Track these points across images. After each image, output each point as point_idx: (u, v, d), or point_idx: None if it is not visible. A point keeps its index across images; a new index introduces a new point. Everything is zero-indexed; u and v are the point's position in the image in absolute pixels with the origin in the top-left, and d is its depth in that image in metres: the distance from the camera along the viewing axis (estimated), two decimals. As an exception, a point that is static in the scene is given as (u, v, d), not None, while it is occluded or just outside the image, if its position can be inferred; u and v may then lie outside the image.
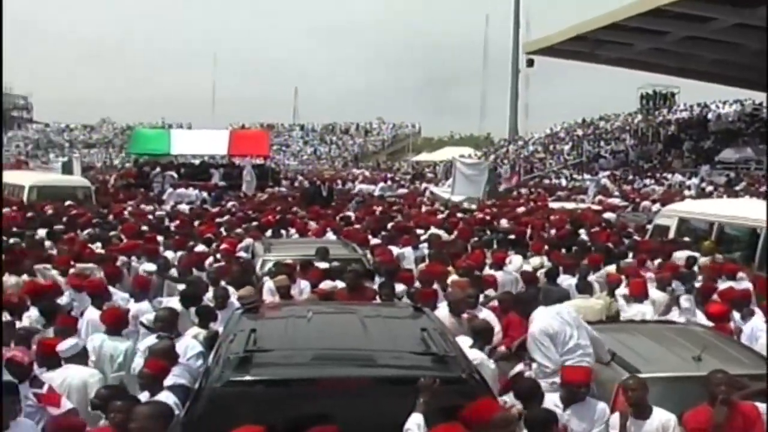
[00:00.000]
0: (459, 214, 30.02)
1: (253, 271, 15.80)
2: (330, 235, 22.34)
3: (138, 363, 10.86)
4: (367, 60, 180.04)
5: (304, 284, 15.04)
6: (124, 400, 8.13)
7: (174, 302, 13.21)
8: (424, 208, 35.07)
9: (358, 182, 59.52)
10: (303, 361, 7.96)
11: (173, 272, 16.42)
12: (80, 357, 10.20)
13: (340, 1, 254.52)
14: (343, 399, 7.43)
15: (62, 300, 13.04)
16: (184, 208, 32.63)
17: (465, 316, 12.51)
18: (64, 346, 10.17)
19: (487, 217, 28.73)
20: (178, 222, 25.70)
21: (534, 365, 10.27)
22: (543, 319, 10.52)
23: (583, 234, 23.72)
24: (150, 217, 27.95)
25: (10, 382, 8.49)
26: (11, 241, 20.01)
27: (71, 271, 15.86)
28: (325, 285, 14.41)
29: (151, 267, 16.53)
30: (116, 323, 11.76)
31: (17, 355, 9.51)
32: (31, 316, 12.43)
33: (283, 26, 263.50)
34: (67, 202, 30.81)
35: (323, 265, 15.92)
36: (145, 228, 23.04)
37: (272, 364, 7.84)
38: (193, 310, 12.67)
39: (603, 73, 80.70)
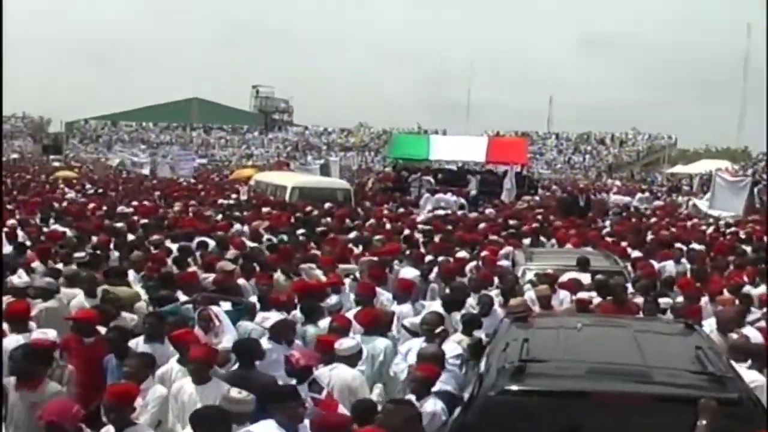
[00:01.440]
0: (721, 229, 29.04)
1: (517, 280, 15.71)
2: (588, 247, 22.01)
3: (402, 367, 11.03)
4: (622, 70, 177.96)
5: (563, 294, 14.83)
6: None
7: (436, 306, 13.33)
8: (684, 222, 34.08)
9: (612, 193, 58.53)
10: (577, 373, 7.82)
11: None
12: (354, 358, 10.32)
13: (604, 12, 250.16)
14: (617, 414, 7.29)
15: (331, 300, 13.29)
16: (440, 213, 32.83)
17: (733, 335, 12.09)
18: (344, 345, 10.34)
19: (747, 234, 27.62)
20: (433, 227, 25.87)
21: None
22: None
23: None
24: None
25: (291, 386, 8.76)
26: (275, 240, 20.72)
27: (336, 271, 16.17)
28: (583, 295, 14.16)
29: (414, 272, 16.70)
30: (374, 323, 11.87)
31: (294, 355, 9.81)
32: (296, 315, 12.78)
33: (541, 34, 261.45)
34: (327, 204, 31.47)
35: (584, 276, 15.69)
36: (407, 232, 23.33)
37: (546, 375, 7.76)
38: (456, 315, 12.72)
39: None
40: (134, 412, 8.42)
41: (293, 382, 9.55)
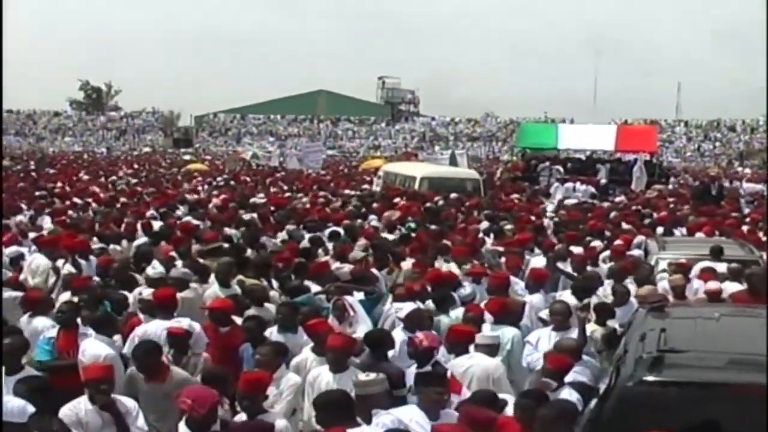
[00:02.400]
0: None
1: (651, 270, 15.46)
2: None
3: (536, 356, 10.95)
4: (753, 54, 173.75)
5: (698, 284, 14.51)
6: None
7: (567, 296, 13.24)
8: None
9: (744, 181, 57.14)
10: (716, 364, 7.66)
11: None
12: (494, 349, 10.33)
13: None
14: (756, 407, 7.07)
15: (464, 290, 13.27)
16: (571, 202, 32.54)
17: None
18: (486, 335, 10.46)
19: None
20: (564, 217, 25.67)
21: None
22: None
23: None
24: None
25: (438, 372, 8.81)
26: (403, 230, 20.77)
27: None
28: (713, 285, 13.86)
29: (541, 261, 16.58)
30: (504, 312, 11.79)
31: (418, 337, 9.81)
32: (428, 304, 12.77)
33: (673, 19, 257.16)
34: (453, 195, 31.25)
35: (718, 265, 15.37)
36: (537, 222, 23.16)
37: (685, 366, 7.61)
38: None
39: None
40: (266, 400, 8.59)
41: (414, 364, 9.65)
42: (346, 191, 35.40)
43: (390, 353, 10.38)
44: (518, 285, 14.34)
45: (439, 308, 12.47)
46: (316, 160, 58.65)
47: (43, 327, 11.30)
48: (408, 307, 11.54)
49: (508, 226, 21.64)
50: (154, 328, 10.93)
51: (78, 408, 8.47)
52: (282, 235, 19.69)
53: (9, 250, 16.05)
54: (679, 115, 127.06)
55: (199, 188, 38.03)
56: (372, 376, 8.34)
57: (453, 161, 50.92)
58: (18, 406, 7.36)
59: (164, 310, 11.35)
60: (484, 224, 22.27)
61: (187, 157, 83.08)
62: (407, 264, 15.74)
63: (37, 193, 29.30)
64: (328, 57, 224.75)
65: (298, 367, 10.13)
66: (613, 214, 26.72)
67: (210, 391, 7.96)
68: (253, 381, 8.39)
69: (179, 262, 14.86)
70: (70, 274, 14.44)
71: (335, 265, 15.23)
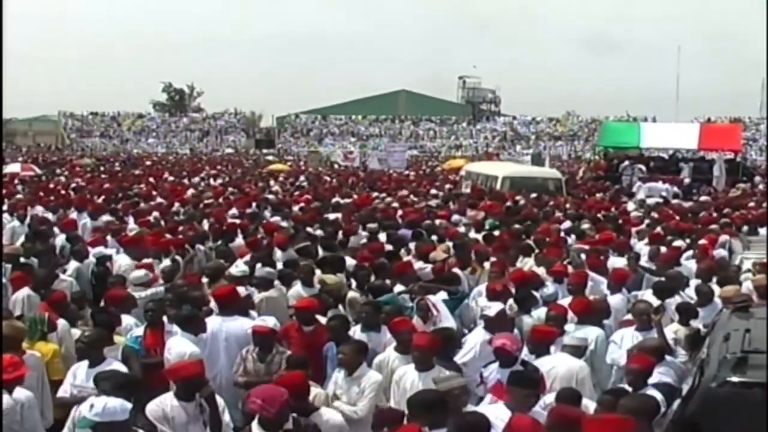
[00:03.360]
0: None
1: (737, 270, 15.25)
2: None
3: (619, 353, 10.92)
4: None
5: (783, 284, 14.36)
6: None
7: (648, 296, 13.16)
8: None
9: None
10: None
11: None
12: (581, 350, 10.30)
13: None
14: None
15: (547, 290, 13.26)
16: (653, 201, 32.18)
17: None
18: (574, 335, 10.47)
19: None
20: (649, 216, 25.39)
21: None
22: None
23: None
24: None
25: (534, 374, 8.83)
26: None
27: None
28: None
29: (621, 260, 16.48)
30: (588, 312, 11.79)
31: (506, 343, 9.86)
32: (511, 304, 12.77)
33: (756, 15, 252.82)
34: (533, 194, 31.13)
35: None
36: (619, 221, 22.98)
37: None
38: (671, 305, 12.50)
39: None
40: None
41: (497, 365, 9.68)
42: (431, 191, 35.45)
43: (468, 355, 10.51)
44: (603, 284, 14.29)
45: (521, 308, 12.46)
46: (400, 160, 58.74)
47: (126, 324, 11.56)
48: (495, 307, 11.54)
49: (587, 226, 21.52)
50: (218, 325, 11.16)
51: (164, 403, 8.62)
52: (364, 235, 19.72)
53: (95, 251, 16.29)
54: (762, 112, 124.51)
55: (276, 188, 38.19)
56: (451, 372, 8.39)
57: (537, 161, 50.70)
58: (117, 405, 7.50)
59: (224, 307, 11.50)
60: (566, 224, 22.16)
61: (269, 158, 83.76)
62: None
63: (121, 195, 29.78)
64: (409, 57, 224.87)
65: (380, 366, 10.18)
66: (700, 214, 26.31)
67: (280, 389, 7.96)
68: (294, 384, 8.39)
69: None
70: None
71: (417, 264, 15.31)
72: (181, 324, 10.84)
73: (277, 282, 13.70)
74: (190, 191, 33.62)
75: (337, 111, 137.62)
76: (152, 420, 8.41)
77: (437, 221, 22.10)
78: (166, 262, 15.33)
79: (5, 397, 8.60)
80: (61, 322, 11.27)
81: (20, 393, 8.75)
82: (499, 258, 15.88)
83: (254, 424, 7.81)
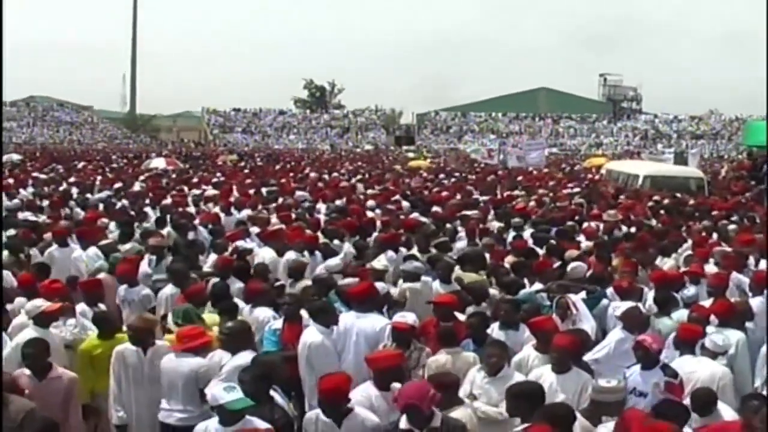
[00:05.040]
0: None
1: None
2: None
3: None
4: None
5: None
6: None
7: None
8: None
9: None
10: None
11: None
12: (720, 355, 10.15)
13: None
14: None
15: (688, 291, 13.03)
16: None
17: None
18: (720, 339, 10.23)
19: None
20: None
21: None
22: None
23: None
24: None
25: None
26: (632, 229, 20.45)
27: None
28: None
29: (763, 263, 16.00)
30: (729, 315, 11.52)
31: (647, 339, 9.72)
32: (651, 305, 12.66)
33: None
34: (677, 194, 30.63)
35: None
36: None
37: None
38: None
39: None
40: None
41: (638, 367, 9.57)
42: (570, 189, 35.13)
43: (601, 351, 10.42)
44: (744, 284, 13.97)
45: (661, 309, 12.27)
46: (538, 158, 58.20)
47: (264, 317, 11.74)
48: (624, 305, 11.40)
49: (732, 227, 21.03)
50: (351, 321, 11.21)
51: (369, 393, 8.86)
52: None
53: (235, 245, 16.54)
54: None
55: (414, 184, 38.23)
56: (613, 383, 8.30)
57: (680, 160, 49.78)
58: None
59: (360, 303, 11.48)
60: (705, 223, 21.70)
61: (409, 155, 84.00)
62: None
63: (264, 189, 30.23)
64: (549, 54, 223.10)
65: (519, 365, 10.09)
66: None
67: (428, 385, 8.01)
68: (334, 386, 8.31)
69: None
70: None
71: (573, 264, 15.16)
72: (313, 315, 10.96)
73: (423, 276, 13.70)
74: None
75: (477, 108, 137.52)
76: (360, 409, 8.51)
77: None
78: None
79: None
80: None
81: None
82: (636, 257, 15.72)
83: (402, 420, 7.87)
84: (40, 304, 11.02)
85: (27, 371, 9.29)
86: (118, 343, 10.33)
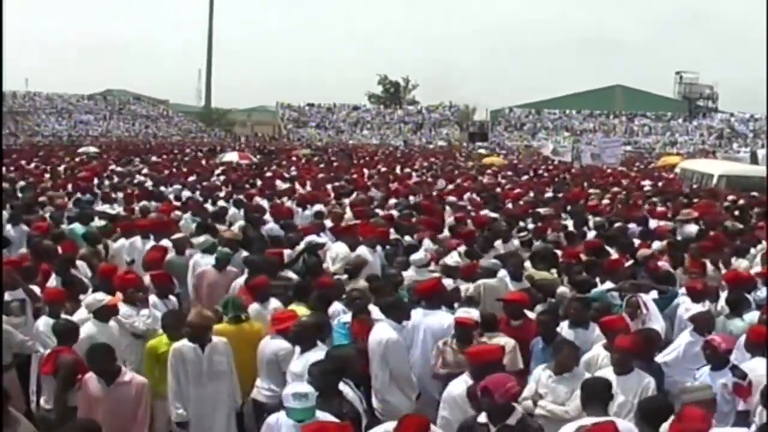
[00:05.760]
0: None
1: None
2: None
3: None
4: None
5: None
6: None
7: None
8: None
9: None
10: None
11: None
12: None
13: None
14: None
15: (762, 293, 12.89)
16: None
17: None
18: None
19: None
20: None
21: None
22: None
23: None
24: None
25: None
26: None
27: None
28: None
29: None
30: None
31: (716, 339, 9.64)
32: (723, 306, 12.48)
33: None
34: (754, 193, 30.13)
35: None
36: None
37: None
38: None
39: None
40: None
41: (707, 368, 9.49)
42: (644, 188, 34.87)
43: (671, 354, 10.36)
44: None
45: (732, 311, 12.09)
46: (614, 156, 57.70)
47: (334, 311, 11.77)
48: (695, 308, 11.30)
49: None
50: (420, 317, 11.27)
51: (460, 385, 8.88)
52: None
53: (308, 239, 16.63)
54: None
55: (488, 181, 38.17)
56: (698, 383, 8.25)
57: (753, 159, 49.16)
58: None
59: (429, 300, 11.55)
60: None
61: (482, 151, 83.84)
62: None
63: (336, 184, 30.38)
64: (624, 52, 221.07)
65: (588, 364, 10.02)
66: None
67: (512, 379, 7.97)
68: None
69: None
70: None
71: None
72: (384, 310, 10.97)
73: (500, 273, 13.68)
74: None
75: (552, 105, 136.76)
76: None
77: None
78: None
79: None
80: (253, 307, 11.82)
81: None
82: (710, 257, 15.58)
83: (482, 415, 7.86)
84: (102, 297, 11.14)
85: (95, 375, 9.18)
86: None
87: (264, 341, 10.50)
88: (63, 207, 21.46)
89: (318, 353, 9.53)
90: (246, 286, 12.75)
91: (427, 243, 17.10)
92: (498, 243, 17.02)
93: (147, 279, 12.81)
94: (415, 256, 14.69)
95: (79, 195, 24.68)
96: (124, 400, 9.17)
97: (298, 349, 9.99)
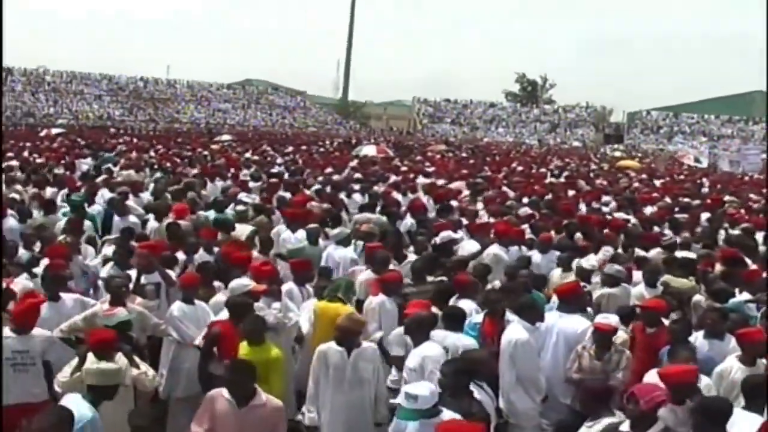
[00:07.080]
0: None
1: None
2: None
3: None
4: None
5: None
6: None
7: None
8: None
9: None
10: None
11: None
12: None
13: None
14: None
15: None
16: None
17: None
18: None
19: None
20: None
21: None
22: None
23: None
24: None
25: None
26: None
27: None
28: None
29: None
30: None
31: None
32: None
33: None
34: None
35: None
36: None
37: None
38: None
39: None
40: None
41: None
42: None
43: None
44: None
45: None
46: (754, 163, 56.54)
47: (468, 310, 11.68)
48: None
49: None
50: (554, 320, 11.29)
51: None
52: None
53: (442, 235, 16.66)
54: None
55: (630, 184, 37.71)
56: None
57: None
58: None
59: (565, 302, 11.56)
60: None
61: (616, 154, 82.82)
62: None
63: (470, 180, 30.37)
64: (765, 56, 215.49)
65: (721, 375, 9.85)
66: None
67: (659, 387, 7.93)
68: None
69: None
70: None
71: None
72: (518, 311, 10.96)
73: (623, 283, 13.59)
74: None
75: (689, 109, 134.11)
76: None
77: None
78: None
79: None
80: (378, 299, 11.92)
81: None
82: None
83: (625, 423, 7.83)
84: (247, 282, 11.37)
85: (226, 393, 8.59)
86: (268, 352, 10.01)
87: None
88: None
89: (432, 347, 9.71)
90: (376, 279, 12.67)
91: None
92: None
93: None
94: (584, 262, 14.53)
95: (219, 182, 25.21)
96: (255, 425, 8.56)
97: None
